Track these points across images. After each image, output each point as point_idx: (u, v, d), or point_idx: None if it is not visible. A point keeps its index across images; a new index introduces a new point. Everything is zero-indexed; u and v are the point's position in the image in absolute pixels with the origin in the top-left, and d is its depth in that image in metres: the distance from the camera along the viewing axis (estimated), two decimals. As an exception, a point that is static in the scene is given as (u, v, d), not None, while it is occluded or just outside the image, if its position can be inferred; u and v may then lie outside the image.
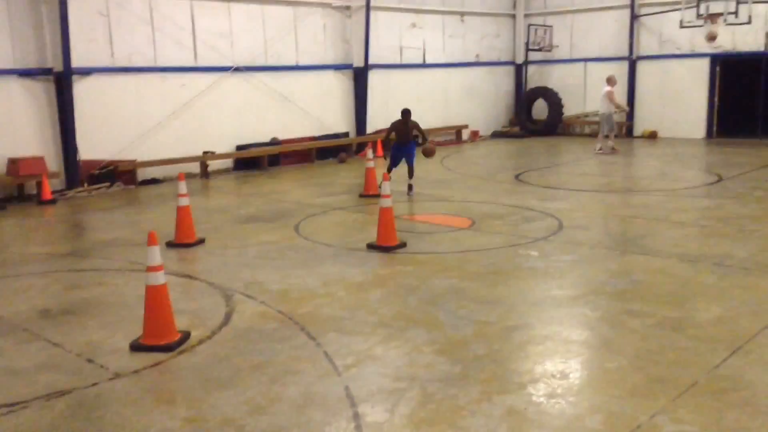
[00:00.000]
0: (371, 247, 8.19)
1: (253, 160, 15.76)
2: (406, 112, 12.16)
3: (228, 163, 15.74)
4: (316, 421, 4.12)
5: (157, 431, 4.05)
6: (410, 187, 12.07)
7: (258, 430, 4.04)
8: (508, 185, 12.82)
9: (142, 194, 12.95)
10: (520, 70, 22.89)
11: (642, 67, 20.60)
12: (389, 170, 11.76)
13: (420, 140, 12.53)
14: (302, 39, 16.90)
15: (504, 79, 22.82)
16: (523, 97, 22.51)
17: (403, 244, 8.17)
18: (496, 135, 22.18)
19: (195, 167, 14.64)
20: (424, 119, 19.97)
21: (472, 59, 21.59)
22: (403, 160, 12.11)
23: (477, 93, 21.81)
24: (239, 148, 15.73)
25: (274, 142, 16.36)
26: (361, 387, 4.54)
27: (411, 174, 12.15)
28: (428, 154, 12.19)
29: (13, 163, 12.09)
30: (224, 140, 15.43)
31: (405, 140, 12.07)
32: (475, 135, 21.38)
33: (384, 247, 8.09)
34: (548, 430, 3.95)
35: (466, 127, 21.25)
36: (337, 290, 6.66)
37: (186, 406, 4.38)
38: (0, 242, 9.40)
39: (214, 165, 15.12)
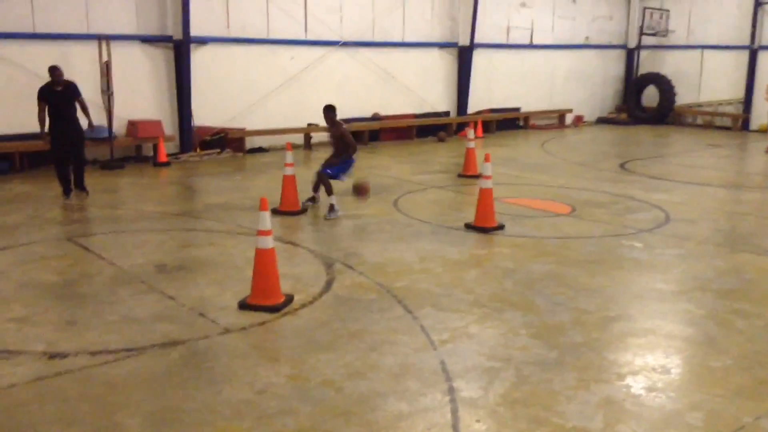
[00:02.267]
0: (469, 227, 8.21)
1: (354, 134, 15.97)
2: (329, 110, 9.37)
3: (330, 136, 16.04)
4: (411, 390, 4.24)
5: (263, 385, 4.28)
6: (314, 199, 9.30)
7: (356, 393, 4.20)
8: (612, 173, 12.47)
9: (249, 162, 13.45)
10: (631, 55, 22.09)
11: (764, 58, 19.41)
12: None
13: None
14: (410, 15, 16.93)
15: (613, 64, 22.08)
16: (633, 83, 21.74)
17: (501, 227, 8.16)
18: (601, 121, 21.55)
19: (299, 138, 15.03)
20: (527, 102, 19.78)
21: (581, 41, 21.00)
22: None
23: (584, 77, 21.22)
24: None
25: (375, 117, 16.55)
26: (456, 363, 4.62)
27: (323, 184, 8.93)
28: (361, 192, 8.89)
29: (133, 125, 12.82)
30: (327, 113, 15.69)
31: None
32: (578, 120, 20.86)
33: (482, 228, 8.10)
34: (646, 423, 3.91)
35: (570, 111, 20.77)
36: (433, 267, 6.74)
37: (289, 364, 4.60)
38: (119, 199, 10.04)
39: (317, 137, 15.46)
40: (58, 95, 9.44)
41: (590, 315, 5.53)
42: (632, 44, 21.96)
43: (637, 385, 4.35)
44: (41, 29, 11.79)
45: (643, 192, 10.51)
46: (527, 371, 4.49)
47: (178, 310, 5.54)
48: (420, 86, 17.35)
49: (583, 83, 21.19)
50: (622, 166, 13.26)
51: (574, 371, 4.52)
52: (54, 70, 9.49)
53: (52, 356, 4.63)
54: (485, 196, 8.12)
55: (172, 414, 3.93)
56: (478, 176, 11.05)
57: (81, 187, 9.88)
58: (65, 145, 9.58)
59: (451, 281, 6.32)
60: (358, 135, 15.89)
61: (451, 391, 4.23)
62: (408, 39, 17.03)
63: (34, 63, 11.22)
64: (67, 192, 9.67)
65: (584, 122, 21.05)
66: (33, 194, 9.95)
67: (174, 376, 4.43)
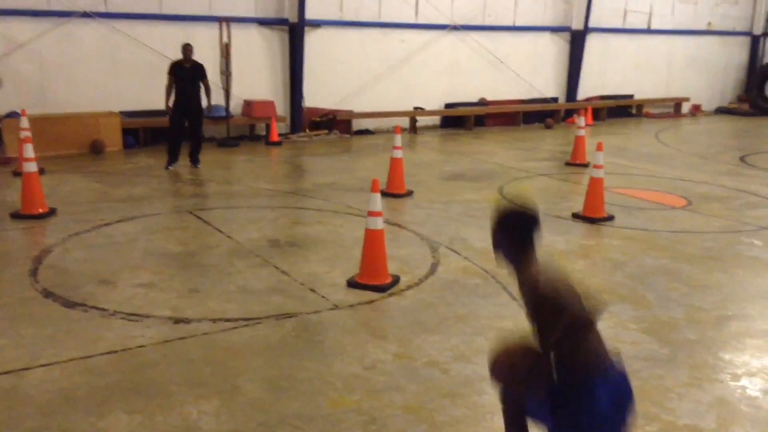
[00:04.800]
0: (577, 216, 8.07)
1: (460, 119, 15.98)
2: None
3: (435, 120, 16.10)
4: (517, 377, 4.26)
5: (371, 361, 4.43)
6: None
7: (462, 375, 4.27)
8: (731, 166, 11.85)
9: (356, 143, 13.72)
10: (756, 42, 20.78)
11: None
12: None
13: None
14: (522, -1, 16.65)
15: (736, 51, 20.84)
16: (757, 72, 20.45)
17: (610, 217, 7.96)
18: (721, 111, 20.45)
19: (404, 122, 15.16)
20: (641, 89, 19.03)
21: (702, 27, 19.94)
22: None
23: (703, 64, 20.17)
24: (447, 106, 16.01)
25: (481, 102, 16.43)
26: (562, 352, 4.59)
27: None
28: None
29: (248, 105, 13.34)
30: (433, 97, 15.76)
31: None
32: (696, 109, 19.89)
33: (590, 218, 7.94)
34: (763, 426, 3.77)
35: (686, 100, 19.82)
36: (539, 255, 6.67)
37: (396, 343, 4.73)
38: (234, 176, 10.52)
39: (422, 121, 15.54)
40: (185, 72, 10.02)
41: (705, 313, 5.34)
42: (758, 31, 20.63)
43: (753, 386, 4.19)
44: (168, 11, 12.45)
45: (766, 187, 9.94)
46: (637, 366, 4.41)
47: (290, 285, 5.78)
48: (529, 71, 17.05)
49: (702, 71, 20.15)
50: (742, 159, 12.57)
51: (686, 369, 4.40)
52: (185, 48, 10.08)
53: (177, 321, 4.97)
54: (595, 186, 7.94)
55: (287, 382, 4.14)
56: (586, 165, 10.83)
57: (195, 161, 10.45)
58: (183, 120, 10.19)
59: (557, 271, 6.25)
60: (463, 120, 15.87)
61: (558, 380, 4.22)
62: (519, 23, 16.74)
63: (160, 43, 11.91)
64: (170, 163, 10.29)
65: (702, 112, 20.03)
66: (156, 168, 10.58)
67: (288, 346, 4.66)
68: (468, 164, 11.54)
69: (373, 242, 5.75)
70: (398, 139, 9.08)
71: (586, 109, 16.48)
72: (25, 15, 11.42)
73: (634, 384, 4.15)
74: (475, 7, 15.93)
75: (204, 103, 10.44)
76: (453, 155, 12.62)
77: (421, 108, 15.43)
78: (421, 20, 15.26)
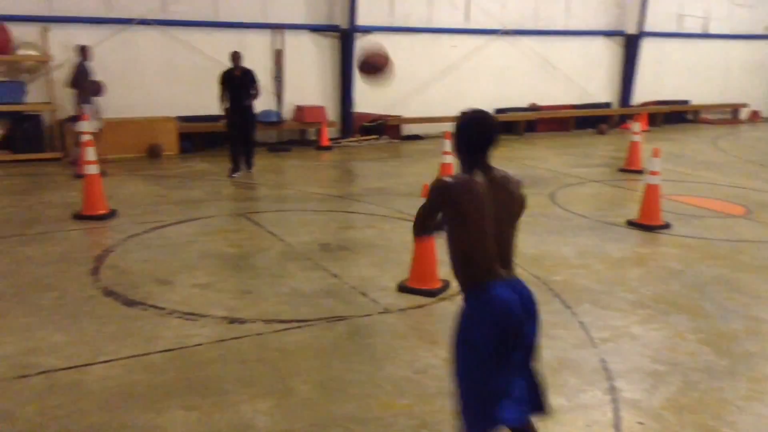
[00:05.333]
0: (631, 224, 7.92)
1: (509, 124, 15.85)
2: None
3: (485, 125, 16.00)
4: (570, 385, 4.22)
5: (422, 366, 4.44)
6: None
7: (514, 383, 4.24)
8: (794, 175, 11.48)
9: (405, 148, 13.75)
10: (819, 46, 20.06)
11: None
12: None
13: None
14: (575, 3, 16.44)
15: (798, 55, 20.17)
16: (821, 76, 19.74)
17: (667, 225, 7.80)
18: (782, 117, 19.81)
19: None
20: (697, 94, 18.58)
21: (761, 31, 19.36)
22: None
23: (762, 69, 19.57)
24: (497, 111, 15.89)
25: (532, 107, 16.29)
26: (617, 362, 4.52)
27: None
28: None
29: (299, 110, 13.51)
30: (483, 102, 15.55)
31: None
32: (754, 115, 19.33)
33: (646, 225, 7.79)
34: (829, 444, 3.65)
35: (745, 106, 19.27)
36: (593, 263, 6.60)
37: (447, 348, 4.70)
38: (286, 180, 10.67)
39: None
40: (235, 80, 10.19)
41: (766, 324, 5.18)
42: (822, 33, 19.94)
43: (820, 403, 4.05)
44: (223, 18, 12.72)
45: (831, 196, 9.61)
46: (695, 377, 4.31)
47: (341, 288, 5.83)
48: (581, 76, 16.83)
49: (761, 76, 19.56)
50: (805, 167, 12.17)
51: (747, 382, 4.28)
52: (234, 56, 10.25)
53: (232, 321, 5.07)
54: (652, 192, 7.80)
55: (338, 384, 4.18)
56: (641, 172, 10.62)
57: (248, 166, 10.62)
58: (238, 126, 10.35)
59: (611, 279, 6.16)
60: (513, 125, 15.75)
61: (613, 390, 4.16)
62: (571, 27, 16.55)
63: (216, 49, 12.15)
64: (234, 170, 10.43)
65: (761, 118, 19.44)
66: (210, 172, 10.80)
67: (339, 349, 4.70)
68: (518, 170, 11.41)
69: (423, 247, 5.75)
70: (448, 144, 9.06)
71: (641, 115, 16.17)
72: (86, 22, 11.81)
73: (693, 396, 4.09)
74: (526, 12, 15.81)
75: (256, 109, 10.59)
76: (502, 161, 12.41)
77: (470, 113, 15.36)
78: (472, 25, 15.23)
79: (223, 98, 10.23)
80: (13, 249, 6.71)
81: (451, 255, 3.01)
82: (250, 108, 10.42)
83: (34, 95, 11.59)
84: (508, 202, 2.98)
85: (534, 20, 16.00)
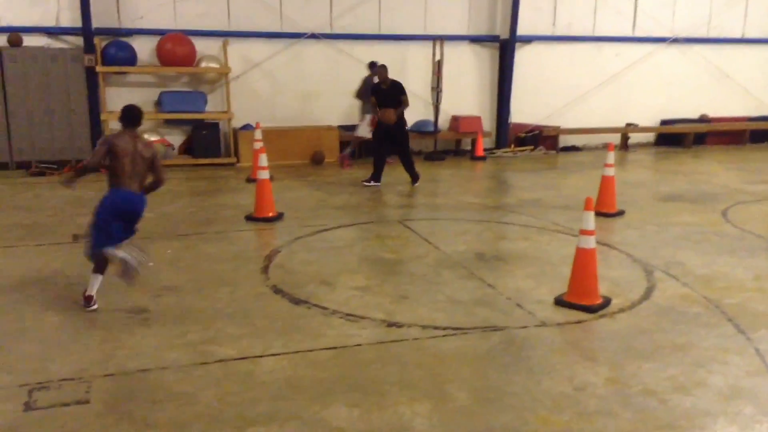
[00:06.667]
0: (817, 247, 7.25)
1: (677, 137, 15.03)
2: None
3: (649, 137, 15.31)
4: (744, 415, 3.95)
5: (581, 383, 4.33)
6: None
7: (681, 408, 4.04)
8: None
9: (562, 160, 13.45)
10: None
11: None
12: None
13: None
14: (753, 9, 15.29)
15: None
16: None
17: None
18: None
19: (614, 138, 14.58)
20: None
21: None
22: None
23: None
24: (663, 122, 15.14)
25: (703, 119, 15.33)
26: (799, 395, 4.17)
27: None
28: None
29: (455, 120, 13.64)
30: (648, 114, 15.00)
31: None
32: None
33: (834, 249, 7.09)
34: None
35: None
36: (771, 287, 6.11)
37: (607, 366, 4.58)
38: (441, 189, 10.80)
39: (634, 138, 14.85)
40: (384, 93, 10.37)
41: None
42: None
43: None
44: (386, 31, 13.13)
45: None
46: None
47: (496, 298, 5.83)
48: (758, 86, 15.61)
49: None
50: None
51: None
52: (380, 70, 10.43)
53: (390, 324, 5.22)
54: (842, 214, 7.08)
55: (495, 394, 4.19)
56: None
57: (412, 174, 10.70)
58: (385, 137, 10.49)
59: (793, 305, 5.67)
60: (680, 137, 14.90)
61: (797, 424, 3.85)
62: (749, 35, 15.40)
63: (378, 61, 12.53)
64: (375, 178, 10.56)
65: None
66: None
67: (495, 359, 4.70)
68: (685, 184, 10.83)
69: (584, 261, 5.61)
70: (611, 157, 8.77)
71: (828, 128, 14.73)
72: (261, 37, 12.66)
73: None
74: (698, 19, 14.93)
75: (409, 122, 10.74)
76: (668, 174, 11.91)
77: (634, 124, 14.74)
78: (639, 33, 14.62)
79: (373, 110, 10.59)
80: (195, 246, 7.35)
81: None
82: (400, 119, 10.46)
83: (212, 104, 12.58)
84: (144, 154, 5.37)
85: (707, 28, 15.06)
